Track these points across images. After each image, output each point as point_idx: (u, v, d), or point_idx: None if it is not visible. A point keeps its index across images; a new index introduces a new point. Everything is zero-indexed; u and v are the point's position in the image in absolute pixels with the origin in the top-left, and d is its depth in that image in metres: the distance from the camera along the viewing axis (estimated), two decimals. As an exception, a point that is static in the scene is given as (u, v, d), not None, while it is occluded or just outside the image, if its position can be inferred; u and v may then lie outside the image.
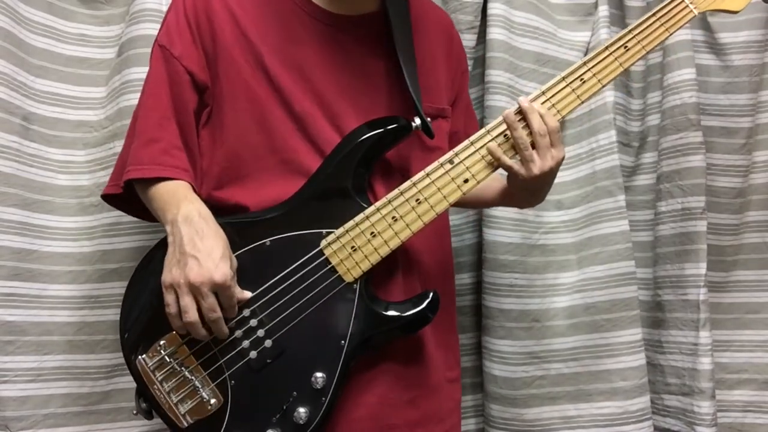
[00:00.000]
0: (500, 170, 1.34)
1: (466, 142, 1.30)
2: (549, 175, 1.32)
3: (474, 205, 1.65)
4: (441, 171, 1.29)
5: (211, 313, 1.20)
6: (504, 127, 1.30)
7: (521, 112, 1.29)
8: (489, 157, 1.30)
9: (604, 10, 1.97)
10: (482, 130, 1.31)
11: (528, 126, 1.28)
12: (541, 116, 1.28)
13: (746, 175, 2.02)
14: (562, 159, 1.31)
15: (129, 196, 1.38)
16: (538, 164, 1.28)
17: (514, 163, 1.29)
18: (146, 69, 1.48)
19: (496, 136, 1.30)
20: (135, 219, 1.68)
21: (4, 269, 1.64)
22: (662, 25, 1.35)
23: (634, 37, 1.34)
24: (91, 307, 1.73)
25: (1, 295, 1.64)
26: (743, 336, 2.03)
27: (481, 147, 1.30)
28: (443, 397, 1.45)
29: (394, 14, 1.41)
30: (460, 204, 1.41)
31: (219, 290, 1.20)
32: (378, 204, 1.28)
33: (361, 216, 1.27)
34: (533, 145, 1.29)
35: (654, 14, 1.35)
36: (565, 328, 1.92)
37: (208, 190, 1.38)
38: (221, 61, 1.35)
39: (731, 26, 2.03)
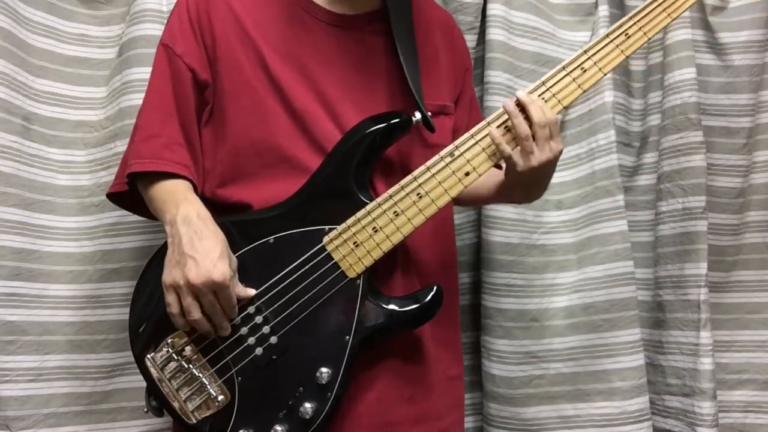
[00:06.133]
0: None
1: (466, 135, 1.30)
2: (547, 167, 1.31)
3: (470, 202, 1.63)
4: (442, 164, 1.29)
5: (212, 309, 1.22)
6: (504, 118, 1.29)
7: (520, 105, 1.28)
8: (490, 150, 1.29)
9: (604, 10, 1.97)
10: (482, 123, 1.30)
11: (528, 118, 1.27)
12: (541, 108, 1.27)
13: (746, 175, 2.02)
14: (560, 152, 1.30)
15: (134, 194, 1.39)
16: (537, 155, 1.27)
17: (514, 153, 1.29)
18: (147, 69, 1.48)
19: (497, 128, 1.29)
20: (136, 219, 1.69)
21: (5, 269, 1.64)
22: (664, 10, 1.33)
23: (635, 23, 1.32)
24: (92, 307, 1.73)
25: (2, 294, 1.63)
26: (744, 336, 2.03)
27: (482, 139, 1.29)
28: (442, 394, 1.44)
29: (395, 12, 1.42)
30: (457, 200, 1.41)
31: (218, 290, 1.21)
32: (379, 199, 1.28)
33: (362, 211, 1.27)
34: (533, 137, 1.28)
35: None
36: (563, 328, 1.92)
37: (212, 188, 1.38)
38: (222, 59, 1.36)
39: (731, 26, 2.03)
